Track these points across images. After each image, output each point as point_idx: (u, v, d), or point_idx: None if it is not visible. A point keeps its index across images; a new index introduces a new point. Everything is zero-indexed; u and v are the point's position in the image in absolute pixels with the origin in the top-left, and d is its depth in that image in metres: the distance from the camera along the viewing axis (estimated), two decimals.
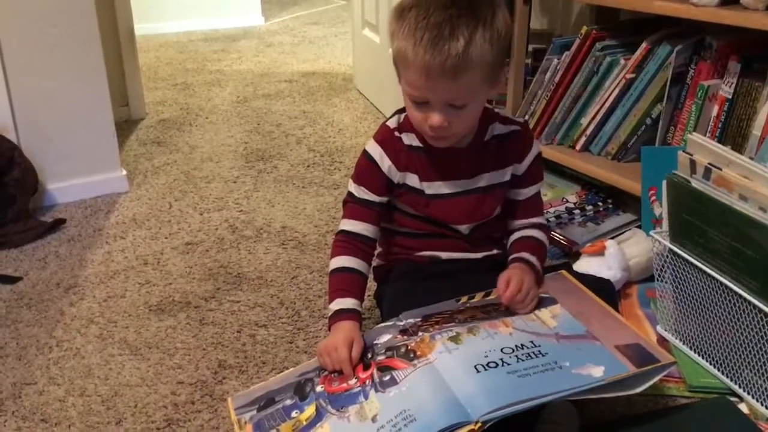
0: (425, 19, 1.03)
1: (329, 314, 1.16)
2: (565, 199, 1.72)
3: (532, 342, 1.03)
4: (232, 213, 1.83)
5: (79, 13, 1.80)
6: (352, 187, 1.23)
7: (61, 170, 1.88)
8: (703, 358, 1.19)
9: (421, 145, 1.19)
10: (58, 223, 1.77)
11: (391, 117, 1.23)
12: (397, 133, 1.20)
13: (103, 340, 1.34)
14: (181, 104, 2.70)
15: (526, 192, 1.25)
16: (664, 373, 0.99)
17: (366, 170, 1.21)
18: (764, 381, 1.08)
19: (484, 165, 1.20)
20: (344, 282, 1.19)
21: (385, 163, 1.19)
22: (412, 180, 1.20)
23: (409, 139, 1.19)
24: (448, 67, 1.03)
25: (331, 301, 1.17)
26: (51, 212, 1.85)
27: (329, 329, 1.15)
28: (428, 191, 1.20)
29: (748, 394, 1.11)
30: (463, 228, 1.22)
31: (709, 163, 1.10)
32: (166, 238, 1.72)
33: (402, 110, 1.22)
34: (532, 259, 1.19)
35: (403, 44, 1.05)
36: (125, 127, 2.43)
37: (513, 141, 1.22)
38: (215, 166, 2.13)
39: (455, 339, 1.06)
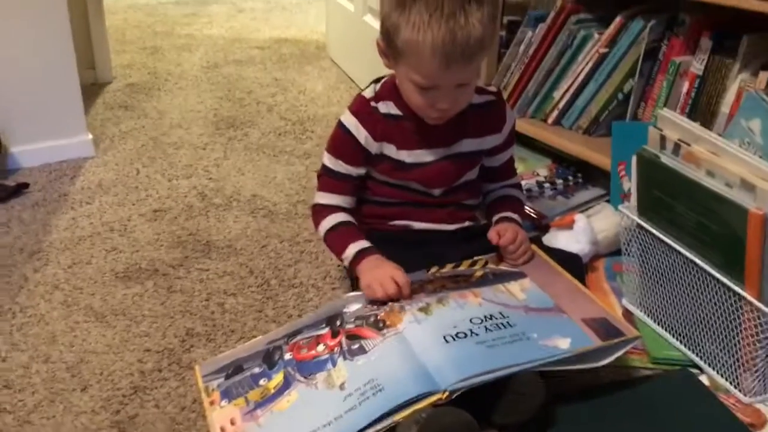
0: (438, 9, 1.02)
1: (348, 261, 1.17)
2: (536, 173, 1.72)
3: (500, 313, 1.04)
4: (201, 180, 1.81)
5: None
6: (328, 160, 1.21)
7: (24, 133, 1.83)
8: (666, 331, 1.21)
9: (400, 113, 1.18)
10: (22, 187, 1.73)
11: (366, 87, 1.22)
12: (373, 103, 1.18)
13: (68, 306, 1.32)
14: (150, 68, 2.64)
15: (502, 157, 1.27)
16: (629, 347, 1.01)
17: (342, 142, 1.20)
18: (725, 354, 1.10)
19: (464, 132, 1.20)
20: (348, 232, 1.20)
21: (361, 133, 1.18)
22: (390, 150, 1.19)
23: (387, 108, 1.18)
24: (468, 54, 1.04)
25: (342, 251, 1.18)
26: (14, 176, 1.80)
27: (355, 273, 1.15)
28: (408, 159, 1.19)
29: (709, 366, 1.14)
30: (436, 191, 1.22)
31: (679, 139, 1.11)
32: (133, 204, 1.69)
33: (379, 80, 1.21)
34: (516, 217, 1.24)
35: (415, 36, 1.03)
36: (91, 90, 2.37)
37: (490, 111, 1.22)
38: (184, 133, 2.09)
39: (425, 309, 1.07)
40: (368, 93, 1.20)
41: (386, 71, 1.19)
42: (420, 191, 1.22)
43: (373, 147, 1.18)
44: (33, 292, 1.36)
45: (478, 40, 1.04)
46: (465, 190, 1.25)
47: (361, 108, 1.19)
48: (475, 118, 1.20)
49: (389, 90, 1.18)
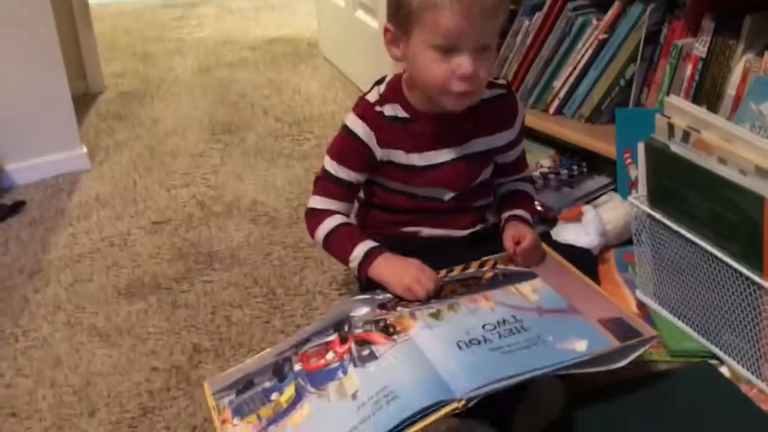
0: None
1: (357, 262, 1.13)
2: (539, 164, 1.69)
3: (513, 317, 1.01)
4: (200, 189, 1.78)
5: None
6: (329, 165, 1.17)
7: (17, 149, 1.81)
8: (683, 322, 1.19)
9: (407, 115, 1.14)
10: (18, 206, 1.70)
11: (369, 90, 1.18)
12: (378, 107, 1.14)
13: (72, 327, 1.30)
14: (141, 75, 2.61)
15: (514, 153, 1.24)
16: (647, 347, 0.98)
17: (347, 147, 1.16)
18: (745, 343, 1.08)
19: (478, 130, 1.17)
20: (351, 233, 1.16)
21: (368, 137, 1.14)
22: (397, 155, 1.15)
23: (393, 110, 1.14)
24: (489, 4, 1.00)
25: (348, 253, 1.14)
26: (9, 194, 1.77)
27: (365, 275, 1.12)
28: (419, 163, 1.15)
29: (730, 357, 1.12)
30: (449, 195, 1.19)
31: (688, 126, 1.08)
32: (132, 217, 1.66)
33: (381, 81, 1.17)
34: (527, 215, 1.21)
35: None
36: (83, 101, 2.34)
37: (502, 105, 1.19)
38: (180, 140, 2.06)
39: (436, 315, 1.04)
40: (372, 96, 1.16)
41: (380, 68, 1.16)
42: (430, 197, 1.18)
43: (379, 152, 1.15)
44: (35, 313, 1.34)
45: None
46: (478, 192, 1.21)
47: (365, 111, 1.15)
48: (487, 114, 1.16)
49: (395, 91, 1.14)
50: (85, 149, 1.92)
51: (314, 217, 1.19)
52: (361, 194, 1.25)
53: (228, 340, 1.25)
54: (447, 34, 1.02)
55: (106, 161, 1.94)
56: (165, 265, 1.47)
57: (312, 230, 1.20)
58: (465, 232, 1.21)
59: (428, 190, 1.18)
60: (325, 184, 1.19)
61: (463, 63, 1.03)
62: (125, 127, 2.17)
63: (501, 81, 1.21)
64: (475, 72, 1.04)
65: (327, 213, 1.18)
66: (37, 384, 1.17)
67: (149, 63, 2.75)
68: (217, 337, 1.26)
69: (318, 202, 1.19)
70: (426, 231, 1.20)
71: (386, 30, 1.10)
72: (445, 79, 1.05)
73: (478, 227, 1.22)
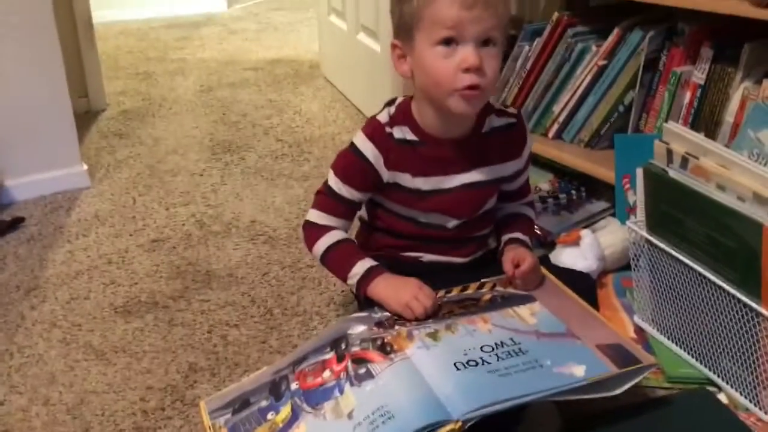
0: None
1: (356, 279, 1.13)
2: (538, 188, 1.69)
3: (512, 339, 1.01)
4: (199, 207, 1.78)
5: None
6: (333, 181, 1.17)
7: (18, 165, 1.81)
8: (681, 348, 1.19)
9: (416, 138, 1.14)
10: (17, 222, 1.70)
11: (380, 110, 1.17)
12: (388, 129, 1.14)
13: (67, 344, 1.29)
14: (144, 94, 2.62)
15: (520, 181, 1.24)
16: (646, 374, 0.98)
17: (353, 166, 1.15)
18: (743, 370, 1.07)
19: (487, 158, 1.16)
20: (351, 250, 1.16)
21: (376, 158, 1.13)
22: (404, 179, 1.15)
23: (402, 133, 1.14)
24: None
25: (348, 269, 1.14)
26: (8, 210, 1.77)
27: (364, 292, 1.12)
28: (425, 187, 1.15)
29: (727, 383, 1.11)
30: (453, 222, 1.18)
31: (686, 153, 1.09)
32: (130, 235, 1.66)
33: (391, 102, 1.17)
34: (526, 239, 1.22)
35: None
36: (85, 119, 2.35)
37: (511, 134, 1.18)
38: (180, 159, 2.07)
39: (433, 336, 1.04)
40: (383, 117, 1.15)
41: (382, 90, 1.16)
42: (434, 224, 1.18)
43: (386, 175, 1.14)
44: (30, 330, 1.33)
45: None
46: (482, 220, 1.21)
47: (375, 132, 1.14)
48: (496, 143, 1.16)
49: (404, 113, 1.14)
50: (85, 166, 1.92)
51: (313, 231, 1.19)
52: (365, 215, 1.25)
53: (224, 359, 1.24)
54: (447, 24, 1.01)
55: (106, 179, 1.95)
56: (162, 284, 1.47)
57: (310, 244, 1.19)
58: (466, 260, 1.20)
59: (432, 216, 1.17)
60: (326, 199, 1.18)
61: (467, 55, 1.02)
62: (126, 145, 2.17)
63: (511, 110, 1.20)
64: (480, 64, 1.03)
65: (326, 228, 1.18)
66: (30, 401, 1.16)
67: (151, 82, 2.76)
68: (213, 356, 1.25)
69: (317, 216, 1.19)
70: (427, 257, 1.19)
71: (393, 46, 1.10)
72: (451, 76, 1.04)
73: (479, 254, 1.22)
